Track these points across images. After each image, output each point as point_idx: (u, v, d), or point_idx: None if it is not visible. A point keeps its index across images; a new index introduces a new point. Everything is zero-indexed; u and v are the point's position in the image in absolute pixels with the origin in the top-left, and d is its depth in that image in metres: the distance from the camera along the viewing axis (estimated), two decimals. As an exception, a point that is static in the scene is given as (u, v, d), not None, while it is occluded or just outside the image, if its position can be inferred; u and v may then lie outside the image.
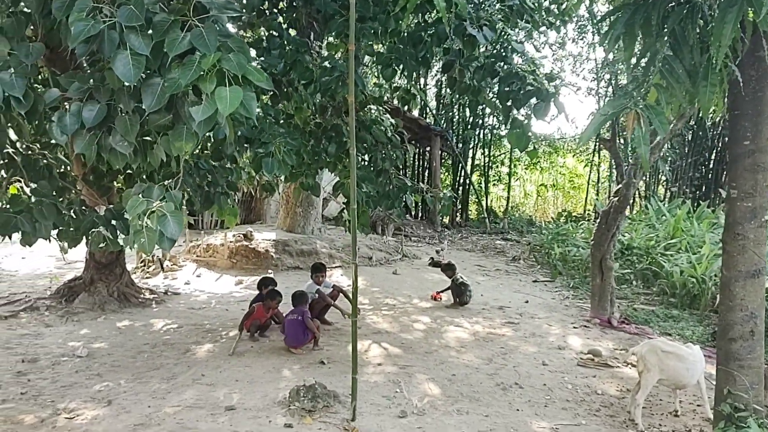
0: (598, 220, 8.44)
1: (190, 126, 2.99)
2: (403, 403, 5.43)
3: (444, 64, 6.46)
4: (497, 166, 24.52)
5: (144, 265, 11.27)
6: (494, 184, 24.80)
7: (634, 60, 3.74)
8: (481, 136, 22.59)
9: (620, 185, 8.20)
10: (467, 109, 20.99)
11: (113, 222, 4.80)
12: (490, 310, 9.25)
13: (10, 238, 4.65)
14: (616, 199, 8.12)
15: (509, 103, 6.11)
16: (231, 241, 11.76)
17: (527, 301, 9.84)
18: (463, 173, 22.40)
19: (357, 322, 5.11)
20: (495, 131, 22.41)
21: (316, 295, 7.73)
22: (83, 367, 6.18)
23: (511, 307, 9.42)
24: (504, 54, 6.05)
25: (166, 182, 3.35)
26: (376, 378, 6.06)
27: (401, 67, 6.36)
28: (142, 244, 3.05)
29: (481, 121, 21.75)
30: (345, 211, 7.40)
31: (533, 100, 5.86)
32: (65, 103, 3.26)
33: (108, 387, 5.62)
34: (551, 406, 5.50)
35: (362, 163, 7.16)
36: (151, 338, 7.28)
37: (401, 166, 8.32)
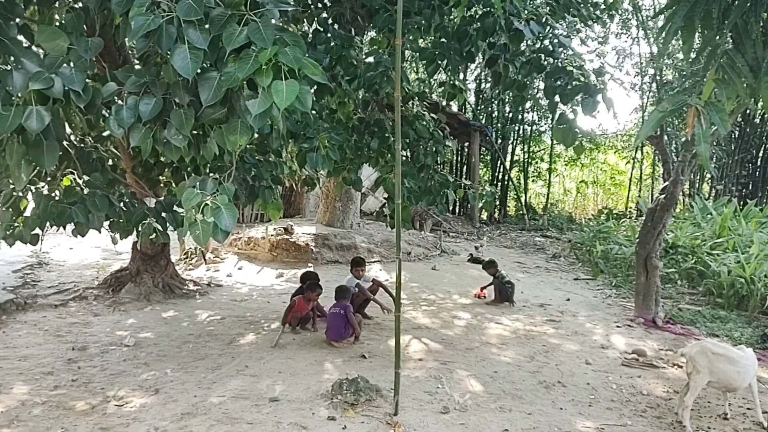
0: (643, 218, 8.27)
1: (245, 120, 3.02)
2: (445, 398, 5.41)
3: (488, 59, 6.40)
4: (536, 163, 24.25)
5: (187, 257, 11.47)
6: (533, 181, 24.54)
7: (693, 54, 3.64)
8: (521, 131, 22.38)
9: (667, 183, 8.02)
10: (506, 105, 20.82)
11: (163, 214, 4.90)
12: (531, 307, 9.16)
13: (64, 228, 4.78)
14: (663, 196, 7.95)
15: (556, 99, 6.03)
16: (272, 235, 11.89)
17: (569, 299, 9.72)
18: (501, 169, 22.23)
19: (397, 313, 5.12)
20: (534, 127, 22.17)
21: (356, 289, 7.75)
22: (131, 355, 6.32)
23: (552, 304, 9.32)
24: (551, 48, 5.96)
25: (218, 175, 3.40)
26: (417, 373, 6.06)
27: (444, 62, 6.33)
28: (197, 235, 3.10)
29: (520, 117, 21.55)
30: (386, 206, 7.40)
31: (580, 96, 5.76)
32: (121, 97, 3.34)
33: (155, 376, 5.74)
34: (596, 406, 5.41)
35: (404, 158, 7.14)
36: (196, 329, 7.41)
37: (441, 162, 8.27)
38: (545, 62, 6.00)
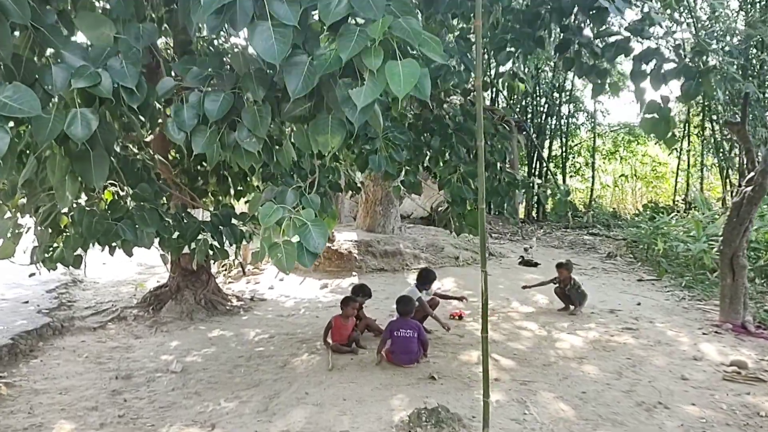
0: (728, 214, 7.52)
1: (339, 114, 2.42)
2: (537, 427, 4.78)
3: (560, 43, 5.74)
4: (573, 157, 23.42)
5: (226, 270, 10.95)
6: (571, 176, 23.69)
7: None
8: (558, 125, 21.58)
9: (753, 173, 7.26)
10: (542, 98, 20.06)
11: (221, 228, 4.30)
12: (601, 313, 8.46)
13: (111, 250, 4.23)
14: (750, 188, 7.20)
15: (644, 84, 5.35)
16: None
17: (639, 303, 8.98)
18: (539, 165, 21.45)
19: (484, 334, 4.45)
20: (571, 120, 21.36)
21: (417, 303, 7.14)
22: (179, 383, 5.77)
23: (623, 310, 8.59)
24: (641, 27, 5.28)
25: (300, 184, 2.80)
26: (497, 396, 5.41)
27: (517, 49, 5.68)
28: (279, 260, 2.50)
29: (557, 110, 20.77)
30: (449, 210, 6.76)
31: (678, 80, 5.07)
32: (180, 94, 2.76)
33: (208, 408, 5.19)
34: (710, 432, 4.75)
35: (466, 157, 6.49)
36: (245, 350, 6.84)
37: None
38: (634, 43, 5.32)
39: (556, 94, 21.29)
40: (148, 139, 5.19)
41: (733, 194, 18.21)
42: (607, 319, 8.16)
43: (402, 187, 6.53)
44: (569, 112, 21.64)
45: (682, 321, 7.99)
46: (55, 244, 4.20)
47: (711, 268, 10.37)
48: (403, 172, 6.29)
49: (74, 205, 3.93)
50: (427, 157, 6.47)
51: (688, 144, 19.30)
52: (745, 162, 7.78)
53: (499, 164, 6.54)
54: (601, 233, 16.51)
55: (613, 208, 21.88)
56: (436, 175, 6.49)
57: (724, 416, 5.03)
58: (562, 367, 6.21)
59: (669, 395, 5.46)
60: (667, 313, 8.42)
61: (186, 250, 4.55)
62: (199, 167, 5.88)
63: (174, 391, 5.57)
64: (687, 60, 5.05)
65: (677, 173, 19.77)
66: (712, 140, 18.25)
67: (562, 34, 5.76)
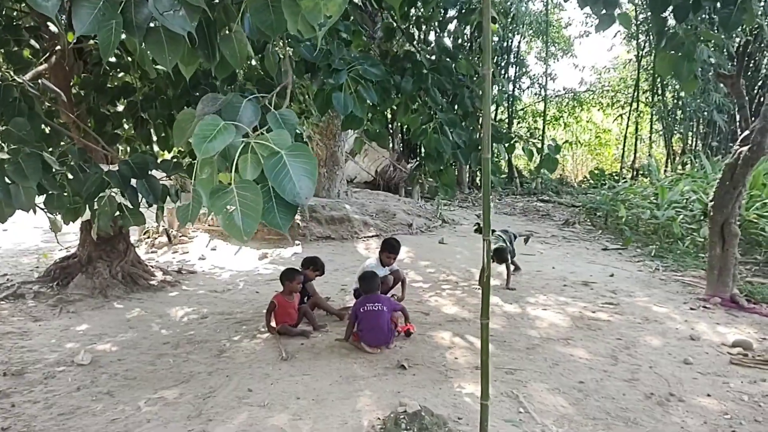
0: (720, 176, 6.78)
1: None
2: (537, 430, 3.89)
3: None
4: (519, 122, 22.74)
5: (148, 237, 9.58)
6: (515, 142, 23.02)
7: None
8: (500, 88, 20.78)
9: (748, 131, 6.51)
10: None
11: (133, 182, 3.06)
12: (574, 286, 7.67)
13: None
14: (746, 148, 6.45)
15: (665, 13, 4.44)
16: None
17: (612, 275, 8.24)
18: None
19: (485, 320, 3.45)
20: (516, 84, 20.61)
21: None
22: (86, 380, 4.58)
23: (597, 282, 7.83)
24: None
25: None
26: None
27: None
28: (230, 219, 1.40)
29: (502, 73, 19.96)
30: (418, 170, 5.71)
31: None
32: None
33: (125, 413, 4.05)
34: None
35: (443, 102, 5.43)
36: (172, 335, 5.67)
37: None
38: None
39: (503, 56, 20.44)
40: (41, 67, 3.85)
41: (676, 161, 18.01)
42: (582, 292, 7.38)
43: (365, 139, 5.45)
44: (515, 75, 20.89)
45: (664, 295, 7.28)
46: None
47: (679, 236, 9.80)
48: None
49: None
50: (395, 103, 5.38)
51: (637, 109, 18.87)
52: (738, 119, 7.17)
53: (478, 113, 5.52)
54: (552, 200, 15.88)
55: (560, 175, 21.39)
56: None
57: (749, 410, 4.28)
58: (548, 351, 5.37)
59: (678, 384, 4.68)
60: (645, 286, 7.72)
61: (87, 213, 3.31)
62: (110, 107, 4.60)
63: (79, 392, 4.39)
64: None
65: (625, 140, 19.34)
66: (661, 105, 17.88)
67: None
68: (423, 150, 5.25)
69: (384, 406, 4.14)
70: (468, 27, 6.12)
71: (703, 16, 4.50)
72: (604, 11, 4.87)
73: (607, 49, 43.95)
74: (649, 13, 15.21)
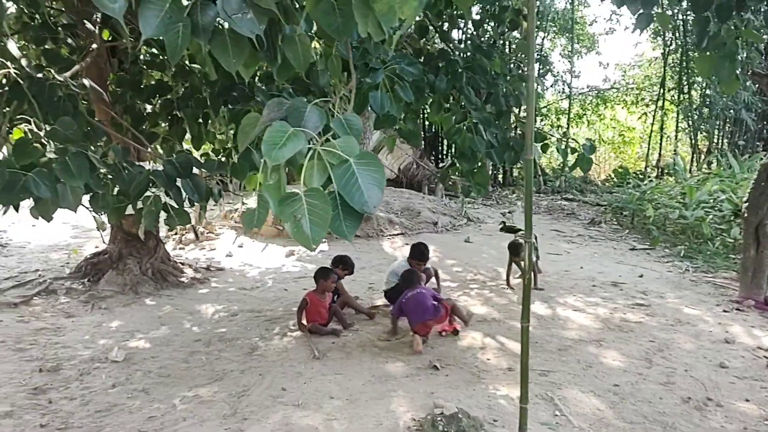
0: (755, 177, 6.67)
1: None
2: (575, 434, 3.86)
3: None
4: (541, 120, 22.55)
5: (175, 233, 9.63)
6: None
7: None
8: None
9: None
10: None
11: (178, 182, 3.07)
12: (603, 286, 7.59)
13: (16, 209, 3.01)
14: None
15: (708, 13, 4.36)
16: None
17: (641, 276, 8.14)
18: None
19: (525, 323, 3.41)
20: (540, 81, 20.42)
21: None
22: (121, 377, 4.61)
23: (626, 283, 7.74)
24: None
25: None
26: (517, 391, 4.44)
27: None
28: (298, 226, 1.39)
29: (521, 71, 19.81)
30: (452, 168, 5.67)
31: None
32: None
33: (160, 411, 4.07)
34: (785, 439, 3.90)
35: (478, 101, 5.38)
36: (203, 332, 5.69)
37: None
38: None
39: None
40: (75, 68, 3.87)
41: (702, 160, 17.75)
42: (612, 293, 7.30)
43: (397, 137, 5.42)
44: (538, 72, 20.71)
45: (696, 296, 7.18)
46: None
47: (708, 237, 9.66)
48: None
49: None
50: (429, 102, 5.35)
51: (662, 107, 18.63)
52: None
53: (513, 112, 5.47)
54: (576, 198, 15.74)
55: (584, 173, 21.13)
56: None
57: (791, 416, 4.19)
58: (581, 353, 5.31)
59: (715, 389, 4.61)
60: (676, 287, 7.62)
61: (129, 211, 3.32)
62: (148, 104, 4.62)
63: (114, 389, 4.42)
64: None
65: (650, 138, 19.09)
66: (687, 103, 17.63)
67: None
68: (454, 149, 5.22)
69: (418, 406, 4.12)
70: (500, 26, 6.05)
71: (745, 15, 4.41)
72: (641, 11, 4.81)
73: (632, 45, 43.37)
74: (677, 10, 15.02)
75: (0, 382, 4.43)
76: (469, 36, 6.07)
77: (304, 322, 5.67)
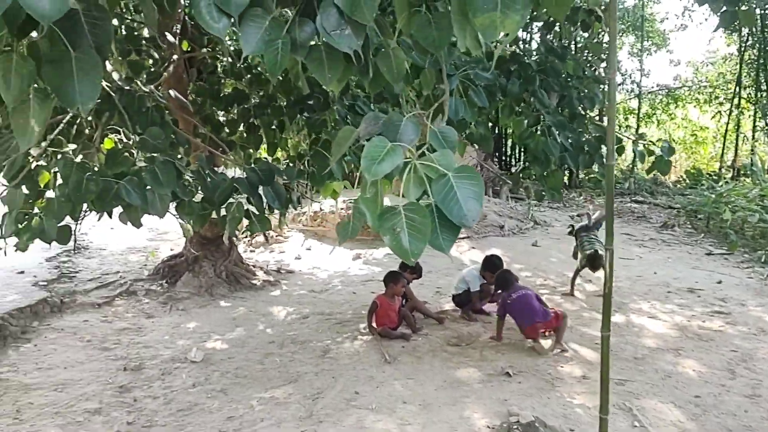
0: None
1: None
2: (656, 446, 3.75)
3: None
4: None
5: (245, 237, 9.87)
6: (604, 140, 22.30)
7: None
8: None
9: None
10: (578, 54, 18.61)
11: (260, 189, 3.16)
12: (679, 293, 7.34)
13: (110, 215, 3.15)
14: None
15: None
16: (342, 208, 10.17)
17: (720, 282, 7.84)
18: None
19: (606, 333, 3.33)
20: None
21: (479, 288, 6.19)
22: (201, 377, 4.76)
23: (704, 289, 7.46)
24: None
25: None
26: (593, 401, 4.34)
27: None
28: (397, 239, 1.41)
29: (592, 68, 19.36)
30: (524, 172, 5.61)
31: None
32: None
33: (238, 412, 4.18)
34: None
35: (551, 104, 5.31)
36: (276, 334, 5.81)
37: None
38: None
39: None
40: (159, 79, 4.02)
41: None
42: (688, 299, 7.05)
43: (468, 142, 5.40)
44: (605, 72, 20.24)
45: (779, 304, 6.87)
46: (32, 213, 3.03)
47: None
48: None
49: (59, 157, 2.82)
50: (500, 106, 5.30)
51: (738, 105, 17.85)
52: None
53: (587, 115, 5.37)
54: (647, 201, 15.26)
55: (653, 175, 20.49)
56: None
57: None
58: (658, 362, 5.16)
59: (805, 403, 4.39)
60: (757, 294, 7.30)
61: (213, 216, 3.44)
62: (226, 112, 4.76)
63: (195, 388, 4.57)
64: None
65: (724, 138, 18.33)
66: (766, 101, 16.85)
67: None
68: (523, 151, 5.16)
69: (492, 414, 4.10)
70: (574, 28, 5.95)
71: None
72: (724, 8, 4.65)
73: (705, 42, 41.68)
74: (753, 4, 14.39)
75: (89, 380, 4.64)
76: (541, 37, 5.96)
77: (374, 325, 5.71)
